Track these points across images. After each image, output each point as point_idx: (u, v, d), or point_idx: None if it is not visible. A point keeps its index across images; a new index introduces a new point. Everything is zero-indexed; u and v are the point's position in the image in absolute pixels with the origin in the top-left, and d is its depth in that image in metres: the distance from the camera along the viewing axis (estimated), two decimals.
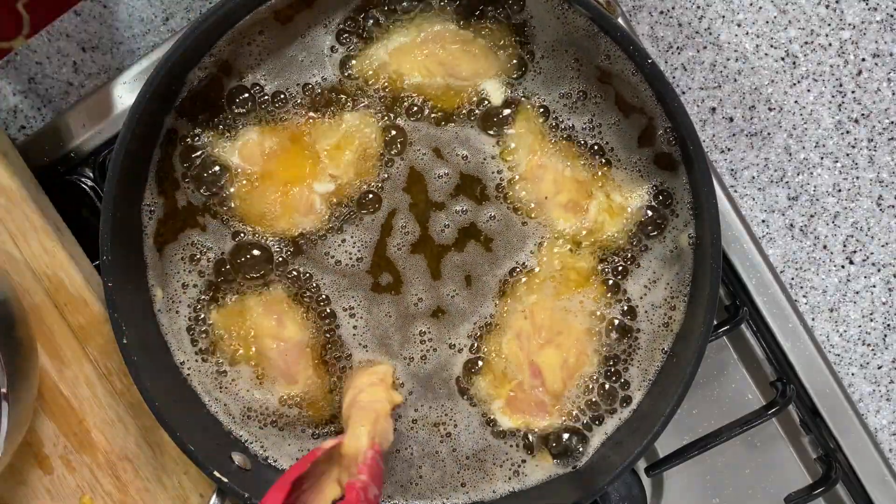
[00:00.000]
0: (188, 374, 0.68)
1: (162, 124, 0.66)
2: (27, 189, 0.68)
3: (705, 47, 0.77)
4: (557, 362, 0.67)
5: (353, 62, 0.66)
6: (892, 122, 0.77)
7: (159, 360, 0.67)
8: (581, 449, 0.68)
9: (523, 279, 0.68)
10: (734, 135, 0.78)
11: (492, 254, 0.67)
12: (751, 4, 0.76)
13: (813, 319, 0.79)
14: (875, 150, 0.78)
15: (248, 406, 0.68)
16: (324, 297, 0.68)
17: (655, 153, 0.66)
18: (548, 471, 0.68)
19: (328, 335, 0.68)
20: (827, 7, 0.76)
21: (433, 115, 0.67)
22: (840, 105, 0.77)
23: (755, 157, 0.78)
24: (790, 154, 0.78)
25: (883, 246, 0.78)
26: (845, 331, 0.79)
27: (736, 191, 0.78)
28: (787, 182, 0.78)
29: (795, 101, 0.77)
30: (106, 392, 0.69)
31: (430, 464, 0.69)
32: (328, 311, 0.68)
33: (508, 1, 0.65)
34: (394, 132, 0.67)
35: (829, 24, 0.76)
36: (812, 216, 0.78)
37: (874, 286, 0.79)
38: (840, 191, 0.78)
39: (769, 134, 0.78)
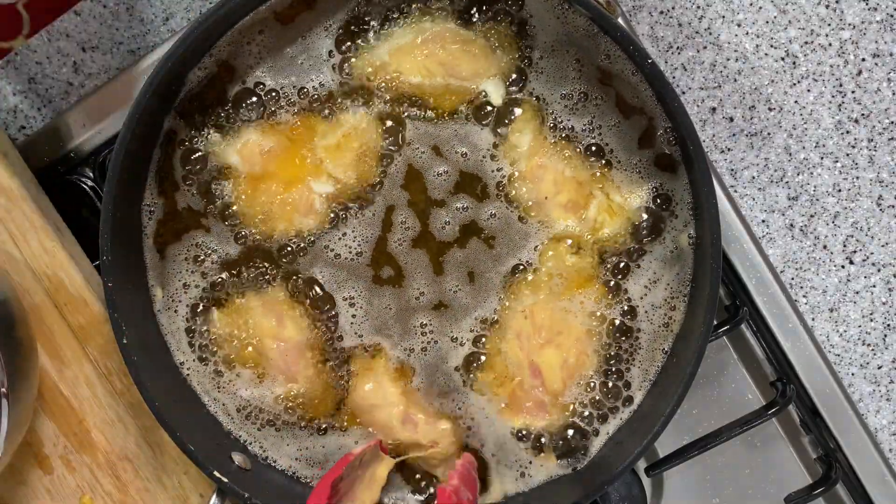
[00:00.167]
0: (188, 374, 0.68)
1: (162, 124, 0.66)
2: (27, 189, 0.68)
3: (705, 47, 0.77)
4: (557, 362, 0.67)
5: (354, 62, 0.66)
6: (892, 122, 0.77)
7: (159, 360, 0.67)
8: (584, 449, 0.68)
9: (524, 278, 0.67)
10: (734, 135, 0.78)
11: (494, 251, 0.67)
12: (751, 4, 0.76)
13: (813, 319, 0.79)
14: (875, 150, 0.78)
15: (248, 406, 0.68)
16: (323, 288, 0.68)
17: (656, 154, 0.66)
18: (550, 471, 0.68)
19: (327, 324, 0.68)
20: (827, 7, 0.76)
21: (432, 114, 0.67)
22: (840, 105, 0.77)
23: (755, 157, 0.78)
24: (790, 154, 0.78)
25: (883, 246, 0.78)
26: (845, 331, 0.79)
27: (736, 191, 0.78)
28: (787, 182, 0.78)
29: (795, 101, 0.77)
30: (106, 392, 0.69)
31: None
32: (326, 300, 0.67)
33: (508, 1, 0.65)
34: (393, 131, 0.67)
35: (829, 24, 0.76)
36: (812, 216, 0.78)
37: (874, 286, 0.79)
38: (840, 191, 0.78)
39: (769, 134, 0.78)
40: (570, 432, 0.68)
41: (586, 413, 0.68)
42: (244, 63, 0.66)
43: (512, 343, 0.68)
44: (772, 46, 0.77)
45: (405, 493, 0.69)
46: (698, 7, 0.76)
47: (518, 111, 0.66)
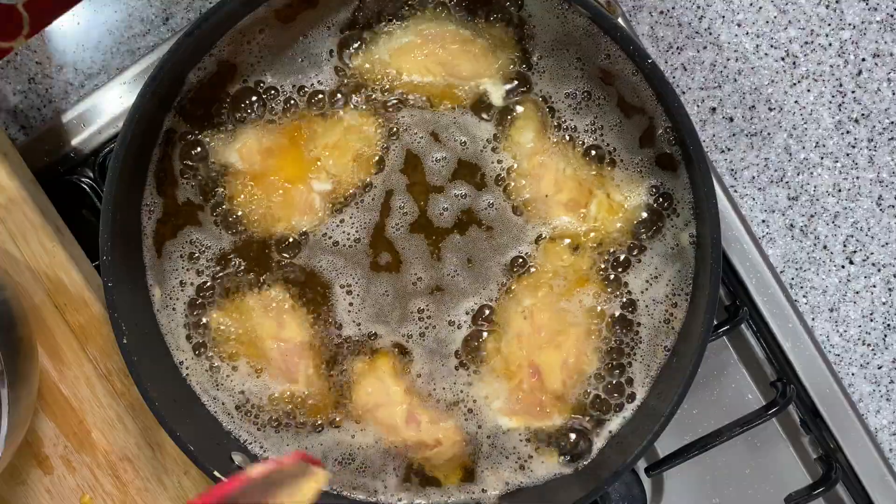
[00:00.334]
0: (187, 374, 0.68)
1: (162, 124, 0.66)
2: (27, 189, 0.68)
3: (705, 47, 0.77)
4: (557, 362, 0.67)
5: (354, 62, 0.66)
6: (892, 122, 0.77)
7: (159, 360, 0.67)
8: (586, 448, 0.68)
9: (523, 276, 0.68)
10: (734, 135, 0.78)
11: (493, 241, 0.67)
12: (751, 4, 0.76)
13: (813, 319, 0.79)
14: (875, 150, 0.78)
15: (247, 406, 0.68)
16: (321, 278, 0.67)
17: (656, 154, 0.66)
18: (551, 469, 0.68)
19: (325, 317, 0.68)
20: (827, 7, 0.76)
21: (431, 109, 0.67)
22: (840, 105, 0.77)
23: (755, 157, 0.78)
24: (790, 154, 0.78)
25: (883, 246, 0.78)
26: (845, 331, 0.79)
27: (736, 191, 0.78)
28: (787, 182, 0.78)
29: (795, 101, 0.77)
30: (106, 392, 0.69)
31: None
32: (324, 290, 0.68)
33: (508, 1, 0.65)
34: (393, 127, 0.67)
35: (829, 24, 0.76)
36: (812, 216, 0.78)
37: (874, 286, 0.79)
38: (840, 191, 0.78)
39: (769, 134, 0.78)
40: (572, 435, 0.68)
41: (588, 412, 0.68)
42: (245, 62, 0.66)
43: (511, 343, 0.68)
44: (772, 46, 0.77)
45: (405, 493, 0.69)
46: (698, 7, 0.76)
47: (520, 109, 0.66)
